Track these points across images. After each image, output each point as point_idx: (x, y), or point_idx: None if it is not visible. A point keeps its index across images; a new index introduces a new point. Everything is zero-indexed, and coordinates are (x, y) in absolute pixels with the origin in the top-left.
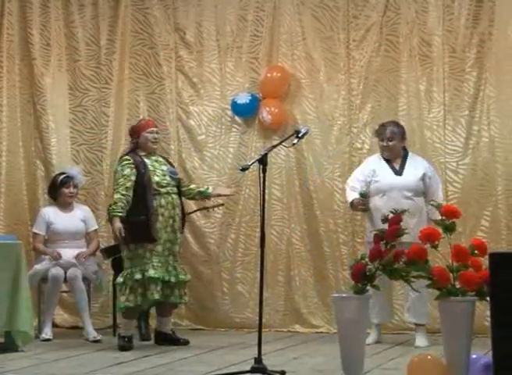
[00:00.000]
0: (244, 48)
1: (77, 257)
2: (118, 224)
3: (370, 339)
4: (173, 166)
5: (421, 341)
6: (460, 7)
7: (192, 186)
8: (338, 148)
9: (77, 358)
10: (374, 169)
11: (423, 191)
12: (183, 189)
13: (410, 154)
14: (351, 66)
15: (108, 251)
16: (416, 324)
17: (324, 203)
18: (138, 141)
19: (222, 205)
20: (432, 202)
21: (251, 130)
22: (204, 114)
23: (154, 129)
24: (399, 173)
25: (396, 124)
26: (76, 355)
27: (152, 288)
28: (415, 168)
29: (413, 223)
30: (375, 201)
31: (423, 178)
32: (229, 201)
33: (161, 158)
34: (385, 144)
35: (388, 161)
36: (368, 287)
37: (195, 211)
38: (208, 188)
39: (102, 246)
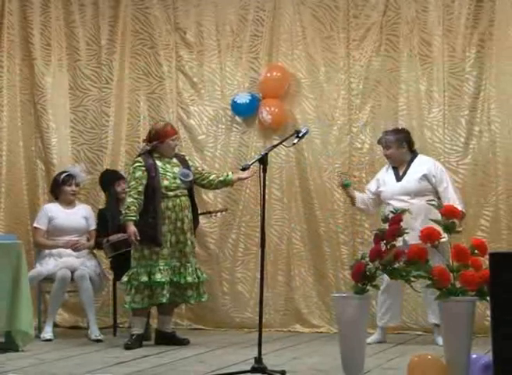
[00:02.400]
0: (244, 47)
1: (72, 245)
2: (132, 228)
3: (372, 338)
4: (188, 166)
5: None
6: (460, 7)
7: (212, 177)
8: (338, 148)
9: (77, 358)
10: (379, 178)
11: (429, 190)
12: (204, 182)
13: (418, 156)
14: (351, 66)
15: (115, 246)
16: (435, 325)
17: (324, 203)
18: (159, 146)
19: (226, 210)
20: (432, 202)
21: (251, 129)
22: (204, 114)
23: (176, 136)
24: (400, 178)
25: (394, 132)
26: (76, 354)
27: (159, 292)
28: (415, 170)
29: (418, 224)
30: (383, 210)
31: (426, 178)
32: (230, 201)
33: (174, 160)
34: (384, 152)
35: (395, 168)
36: (368, 287)
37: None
38: (227, 175)
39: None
